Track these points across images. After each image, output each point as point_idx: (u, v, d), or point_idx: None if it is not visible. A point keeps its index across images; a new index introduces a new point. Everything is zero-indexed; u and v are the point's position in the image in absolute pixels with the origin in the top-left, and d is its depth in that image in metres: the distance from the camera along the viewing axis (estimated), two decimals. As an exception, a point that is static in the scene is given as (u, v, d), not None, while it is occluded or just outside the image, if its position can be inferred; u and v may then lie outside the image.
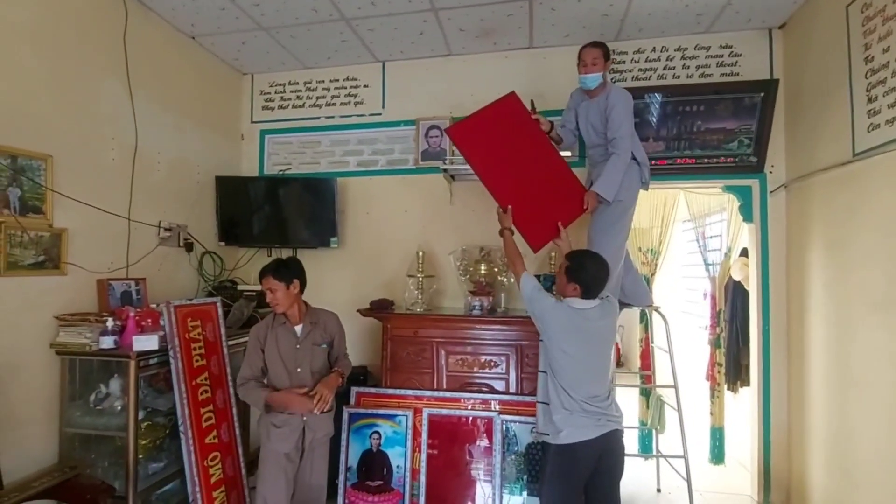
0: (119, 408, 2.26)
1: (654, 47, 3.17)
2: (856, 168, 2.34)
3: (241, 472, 2.62)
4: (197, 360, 2.45)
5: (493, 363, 2.79)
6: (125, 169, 2.70)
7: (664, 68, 3.16)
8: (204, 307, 2.61)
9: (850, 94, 2.36)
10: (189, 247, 3.14)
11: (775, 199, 3.04)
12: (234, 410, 2.65)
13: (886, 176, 2.13)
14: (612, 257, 2.53)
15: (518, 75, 3.34)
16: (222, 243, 3.43)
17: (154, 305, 2.51)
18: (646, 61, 3.19)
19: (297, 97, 3.68)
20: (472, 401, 2.70)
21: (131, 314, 2.32)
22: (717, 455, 3.47)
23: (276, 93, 3.72)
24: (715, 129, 3.00)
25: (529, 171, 2.44)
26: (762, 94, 2.90)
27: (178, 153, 3.10)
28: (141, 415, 2.28)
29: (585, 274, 2.01)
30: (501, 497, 2.53)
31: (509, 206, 2.32)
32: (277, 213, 3.44)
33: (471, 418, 2.65)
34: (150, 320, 2.37)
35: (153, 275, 2.82)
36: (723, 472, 3.42)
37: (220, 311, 2.70)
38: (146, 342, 2.24)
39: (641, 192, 2.66)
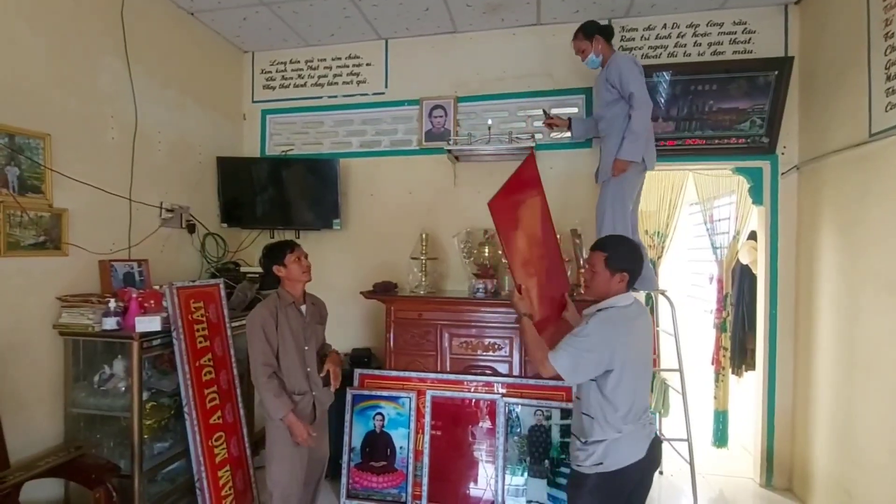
0: (123, 388, 2.26)
1: (665, 24, 3.07)
2: (871, 149, 2.28)
3: (246, 452, 2.64)
4: (200, 342, 2.45)
5: (496, 346, 2.78)
6: (125, 148, 2.66)
7: (675, 46, 3.07)
8: (207, 289, 2.60)
9: (868, 73, 2.28)
10: (191, 228, 3.12)
11: (787, 181, 2.97)
12: (238, 391, 2.65)
13: (904, 157, 2.07)
14: (619, 230, 2.49)
15: (526, 53, 3.25)
16: (225, 225, 3.40)
17: (157, 287, 2.50)
18: (656, 38, 3.09)
19: (299, 76, 3.61)
20: (475, 383, 2.69)
21: (134, 295, 2.31)
22: (721, 438, 3.48)
23: (277, 71, 3.65)
24: (727, 108, 2.92)
25: (537, 255, 2.18)
26: (776, 73, 2.81)
27: (178, 133, 3.06)
28: (145, 395, 2.29)
29: (629, 255, 1.72)
30: (504, 478, 2.54)
31: (524, 287, 1.93)
32: (280, 195, 3.40)
33: (474, 400, 2.65)
34: (152, 302, 2.36)
35: (155, 256, 2.80)
36: (726, 455, 3.43)
37: (223, 292, 2.69)
38: (149, 323, 2.23)
39: (649, 174, 2.63)
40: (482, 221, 3.16)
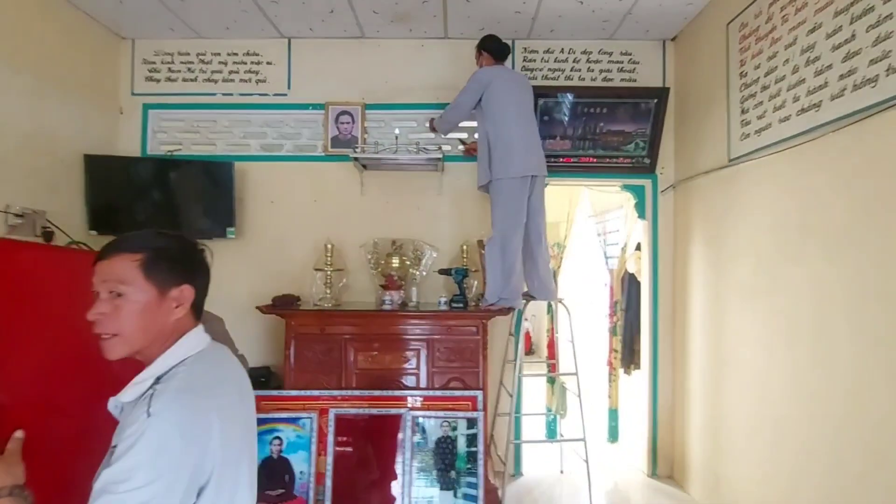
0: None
1: (563, 49, 3.28)
2: (730, 172, 2.61)
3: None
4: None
5: (404, 359, 2.73)
6: (-43, 140, 2.21)
7: (571, 70, 3.29)
8: (66, 307, 2.24)
9: (727, 105, 2.62)
10: (48, 236, 2.67)
11: (665, 198, 3.31)
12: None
13: (754, 180, 2.40)
14: (495, 241, 2.68)
15: (434, 64, 3.28)
16: (94, 232, 2.97)
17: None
18: (555, 62, 3.29)
19: (189, 69, 3.29)
20: (381, 398, 2.61)
21: (-37, 317, 1.90)
22: (613, 434, 3.75)
23: (162, 62, 3.29)
24: (615, 131, 3.18)
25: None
26: (655, 101, 3.12)
27: (33, 126, 2.62)
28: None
29: (185, 254, 0.99)
30: (411, 493, 2.49)
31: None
32: (165, 199, 3.06)
33: (381, 415, 2.56)
34: (-10, 324, 1.97)
35: (-2, 269, 2.36)
36: (618, 449, 3.69)
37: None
38: (-16, 351, 1.85)
39: (552, 188, 2.78)
40: (390, 231, 3.11)
